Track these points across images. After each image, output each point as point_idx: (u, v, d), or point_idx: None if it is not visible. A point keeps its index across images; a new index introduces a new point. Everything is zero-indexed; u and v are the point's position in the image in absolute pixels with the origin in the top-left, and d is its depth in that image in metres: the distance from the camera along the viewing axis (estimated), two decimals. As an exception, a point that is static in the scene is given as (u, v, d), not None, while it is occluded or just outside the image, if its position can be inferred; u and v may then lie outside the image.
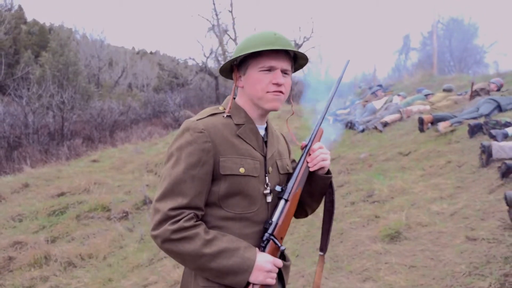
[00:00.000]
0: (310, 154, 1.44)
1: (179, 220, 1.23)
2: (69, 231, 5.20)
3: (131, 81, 33.18)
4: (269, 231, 1.35)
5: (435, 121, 6.56)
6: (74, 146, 11.65)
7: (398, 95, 10.39)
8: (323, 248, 1.56)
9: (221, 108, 1.43)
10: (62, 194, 6.63)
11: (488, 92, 7.69)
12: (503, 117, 5.70)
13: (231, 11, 27.58)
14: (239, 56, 1.36)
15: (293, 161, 1.61)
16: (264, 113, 1.42)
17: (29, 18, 30.49)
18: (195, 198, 1.27)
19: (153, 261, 4.48)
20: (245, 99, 1.42)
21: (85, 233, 5.10)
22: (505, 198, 3.36)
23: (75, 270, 4.25)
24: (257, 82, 1.35)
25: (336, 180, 5.85)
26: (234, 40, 28.33)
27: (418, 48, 32.78)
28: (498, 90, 7.71)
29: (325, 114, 1.50)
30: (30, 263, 4.33)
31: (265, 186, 1.39)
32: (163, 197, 1.27)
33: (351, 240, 3.94)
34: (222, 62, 28.45)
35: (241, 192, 1.33)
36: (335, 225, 4.37)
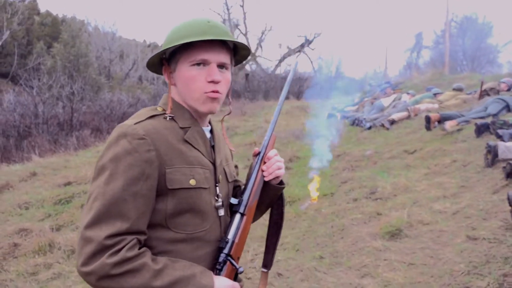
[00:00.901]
0: (265, 162, 1.30)
1: (119, 250, 1.00)
2: (73, 220, 5.26)
3: (141, 73, 33.35)
4: (226, 250, 1.18)
5: (442, 120, 6.52)
6: (83, 137, 11.78)
7: (408, 93, 10.32)
8: (268, 264, 1.40)
9: (159, 108, 1.20)
10: (68, 183, 6.70)
11: (498, 92, 7.61)
12: (511, 117, 5.63)
13: (242, 6, 27.59)
14: (167, 48, 1.15)
15: (235, 166, 1.46)
16: (204, 114, 1.23)
17: (42, 9, 30.72)
18: (137, 221, 1.04)
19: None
20: (179, 99, 1.21)
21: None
22: (508, 198, 3.33)
23: (78, 258, 4.31)
24: (190, 80, 1.15)
25: (339, 177, 5.85)
26: (245, 34, 28.33)
27: (431, 47, 32.46)
28: (509, 90, 7.62)
29: (277, 119, 1.35)
30: (34, 250, 4.38)
31: (216, 198, 1.21)
32: (95, 222, 1.01)
33: (352, 236, 3.94)
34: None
35: (192, 208, 1.13)
36: (336, 221, 4.37)
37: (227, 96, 1.29)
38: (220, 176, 1.24)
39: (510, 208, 3.32)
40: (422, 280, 3.01)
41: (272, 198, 1.36)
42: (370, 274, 3.23)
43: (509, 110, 6.20)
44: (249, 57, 1.35)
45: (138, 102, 16.63)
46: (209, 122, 1.29)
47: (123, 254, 0.99)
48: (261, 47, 28.46)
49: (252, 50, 27.90)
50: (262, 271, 1.41)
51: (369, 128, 8.56)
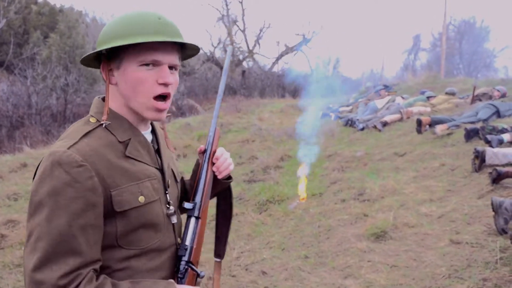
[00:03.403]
0: (213, 163, 1.25)
1: (77, 287, 0.93)
2: (62, 213, 5.26)
3: (138, 67, 33.21)
4: (185, 258, 1.14)
5: (433, 123, 6.56)
6: (76, 129, 11.72)
7: (402, 97, 10.37)
8: (221, 253, 1.39)
9: (92, 120, 1.07)
10: (59, 175, 6.69)
11: (490, 97, 7.67)
12: (501, 123, 5.69)
13: (241, 2, 27.53)
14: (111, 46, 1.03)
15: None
16: (147, 119, 1.13)
17: (39, -2, 30.49)
18: (91, 252, 0.96)
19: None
20: (121, 102, 1.10)
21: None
22: (492, 203, 3.37)
23: (65, 251, 4.31)
24: (138, 82, 1.04)
25: (329, 177, 5.88)
26: (243, 31, 28.30)
27: (428, 49, 32.62)
28: (501, 98, 7.68)
29: (218, 112, 1.29)
30: (21, 241, 4.37)
31: (167, 205, 1.15)
32: (44, 263, 0.92)
33: (338, 237, 3.97)
34: (230, 53, 28.49)
35: (143, 224, 1.06)
36: (323, 221, 4.40)
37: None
38: (169, 180, 1.19)
39: (493, 213, 3.36)
40: (403, 282, 3.04)
41: (219, 191, 1.35)
42: (353, 275, 3.26)
43: (499, 116, 6.26)
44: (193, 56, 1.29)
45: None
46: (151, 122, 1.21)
47: None
48: (258, 44, 28.43)
49: (250, 47, 27.87)
50: (215, 261, 1.40)
51: (362, 129, 8.60)
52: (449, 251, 3.28)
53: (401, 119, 8.28)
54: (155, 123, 1.24)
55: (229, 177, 1.34)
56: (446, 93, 8.99)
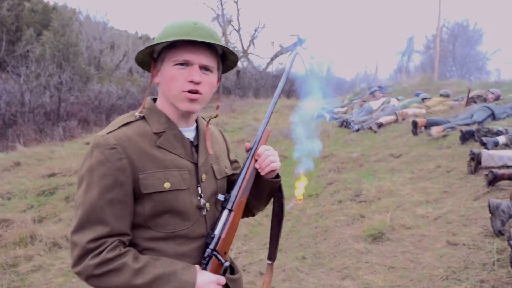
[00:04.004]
0: (256, 160, 1.31)
1: (101, 252, 1.09)
2: (56, 212, 5.21)
3: (132, 65, 33.05)
4: (211, 246, 1.22)
5: (428, 125, 6.60)
6: (69, 128, 11.62)
7: (397, 99, 10.42)
8: (272, 256, 1.44)
9: (137, 113, 1.23)
10: (52, 174, 6.62)
11: (484, 100, 7.73)
12: (496, 126, 5.72)
13: (236, 2, 27.52)
14: (152, 46, 1.19)
15: (235, 161, 1.48)
16: (186, 113, 1.24)
17: (32, -5, 30.18)
18: (117, 224, 1.12)
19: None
20: (164, 99, 1.24)
21: (72, 215, 5.11)
22: (489, 205, 3.39)
23: (60, 251, 4.26)
24: (171, 79, 1.18)
25: (325, 178, 5.89)
26: (238, 31, 28.29)
27: (422, 51, 32.79)
28: (495, 100, 7.74)
29: (271, 113, 1.37)
30: (15, 241, 4.32)
31: (198, 198, 1.24)
32: (79, 228, 1.11)
33: (335, 238, 3.97)
34: (224, 53, 28.42)
35: (169, 209, 1.18)
36: (320, 222, 4.41)
37: (216, 98, 1.33)
38: (204, 175, 1.26)
39: (490, 215, 3.38)
40: (401, 283, 3.05)
41: (270, 191, 1.39)
42: (351, 276, 3.27)
43: (494, 118, 6.31)
44: (237, 64, 1.34)
45: (128, 95, 16.50)
46: (196, 121, 1.31)
47: (103, 256, 1.08)
48: (253, 44, 28.44)
49: (245, 47, 27.85)
50: (267, 264, 1.45)
51: (357, 130, 8.62)
52: (446, 252, 3.29)
53: (396, 121, 8.32)
54: (202, 123, 1.34)
55: (277, 176, 1.38)
56: (441, 95, 9.05)
